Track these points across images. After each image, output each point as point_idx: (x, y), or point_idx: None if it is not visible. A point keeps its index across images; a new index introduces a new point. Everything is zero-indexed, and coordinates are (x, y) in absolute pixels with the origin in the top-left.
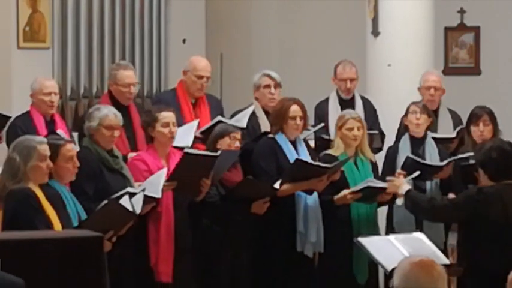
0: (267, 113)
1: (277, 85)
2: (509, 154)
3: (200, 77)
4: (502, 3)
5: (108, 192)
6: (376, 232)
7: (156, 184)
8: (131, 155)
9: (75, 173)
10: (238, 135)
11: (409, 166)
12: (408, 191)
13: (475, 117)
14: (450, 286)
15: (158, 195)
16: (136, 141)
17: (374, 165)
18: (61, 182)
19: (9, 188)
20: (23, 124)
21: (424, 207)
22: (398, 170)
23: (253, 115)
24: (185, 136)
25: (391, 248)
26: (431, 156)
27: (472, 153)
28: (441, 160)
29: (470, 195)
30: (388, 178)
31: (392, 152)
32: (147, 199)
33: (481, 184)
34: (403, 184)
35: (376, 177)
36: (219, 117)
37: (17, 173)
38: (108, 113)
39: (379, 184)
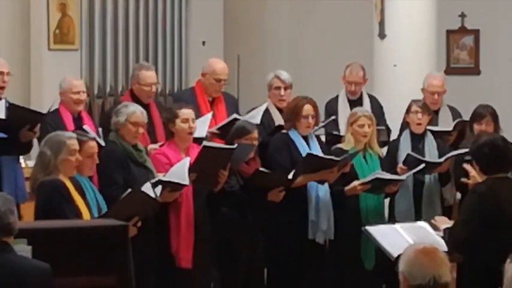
0: (279, 109)
1: (287, 87)
2: (501, 149)
3: (218, 80)
4: (500, 7)
5: (133, 183)
6: (383, 222)
7: (181, 172)
8: (151, 146)
9: (93, 168)
10: (255, 134)
11: (410, 162)
12: (445, 229)
13: (478, 116)
14: (452, 272)
15: (186, 182)
16: (156, 136)
17: (382, 160)
18: (81, 175)
19: (40, 179)
20: (53, 121)
21: (447, 238)
22: (400, 165)
23: (267, 112)
24: (200, 128)
25: (397, 236)
26: (430, 151)
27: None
28: (439, 154)
29: (470, 205)
30: (432, 221)
31: (394, 147)
32: (175, 186)
33: (474, 177)
34: (441, 223)
35: (384, 170)
36: (235, 115)
37: (47, 165)
38: (136, 110)
39: (387, 176)
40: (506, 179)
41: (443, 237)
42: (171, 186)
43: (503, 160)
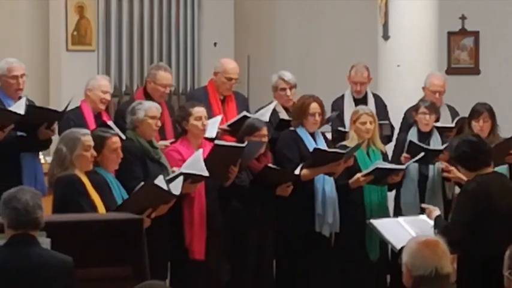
0: (285, 108)
1: (292, 87)
2: (477, 144)
3: (230, 79)
4: (499, 10)
5: (150, 178)
6: (386, 215)
7: (199, 164)
8: (161, 143)
9: (119, 163)
10: (264, 131)
11: (412, 149)
12: (437, 217)
13: (476, 113)
14: (452, 263)
15: (206, 173)
16: (165, 134)
17: (385, 155)
18: (106, 170)
19: (57, 175)
20: (75, 117)
21: (441, 229)
22: (404, 154)
23: (274, 111)
24: (210, 129)
25: (400, 229)
26: (435, 147)
27: None
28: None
29: (462, 204)
30: (423, 205)
31: (401, 142)
32: (196, 177)
33: (457, 175)
34: (433, 211)
35: None
36: (245, 112)
37: (63, 161)
38: (151, 105)
39: (387, 165)
40: (494, 174)
41: (434, 226)
42: (193, 178)
43: (482, 153)
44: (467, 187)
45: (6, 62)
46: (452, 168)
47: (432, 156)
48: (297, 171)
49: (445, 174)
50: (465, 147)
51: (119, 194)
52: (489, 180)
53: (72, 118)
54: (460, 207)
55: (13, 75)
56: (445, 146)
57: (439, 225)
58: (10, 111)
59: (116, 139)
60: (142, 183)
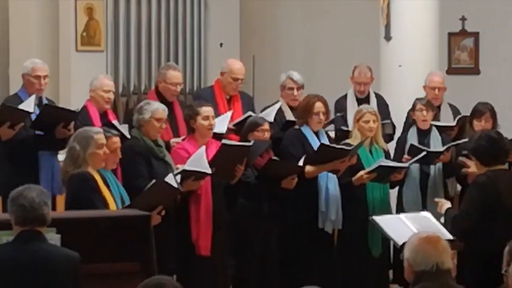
0: (291, 107)
1: (300, 87)
2: (496, 140)
3: (236, 79)
4: (499, 11)
5: (155, 176)
6: (388, 212)
7: (201, 161)
8: (173, 140)
9: (117, 162)
10: (266, 126)
11: (413, 152)
12: (447, 209)
13: (478, 113)
14: (453, 259)
15: (208, 170)
16: (178, 131)
17: (387, 153)
18: (105, 169)
19: (70, 172)
20: (81, 117)
21: (450, 219)
22: (405, 156)
23: (280, 110)
24: (220, 125)
25: (402, 225)
26: (435, 145)
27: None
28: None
29: (471, 196)
30: (436, 199)
31: (402, 141)
32: (199, 174)
33: (475, 171)
34: (444, 204)
35: None
36: (250, 113)
37: (77, 159)
38: (159, 107)
39: (390, 163)
40: (505, 172)
41: (444, 216)
42: (196, 175)
43: (499, 150)
44: (477, 180)
45: (31, 62)
46: (469, 160)
47: (433, 156)
48: (300, 163)
49: (464, 170)
50: (484, 141)
51: (117, 192)
52: (499, 176)
53: (78, 118)
54: (469, 199)
55: (36, 75)
56: (445, 147)
57: (449, 216)
58: (18, 109)
59: (116, 139)
60: (154, 180)
